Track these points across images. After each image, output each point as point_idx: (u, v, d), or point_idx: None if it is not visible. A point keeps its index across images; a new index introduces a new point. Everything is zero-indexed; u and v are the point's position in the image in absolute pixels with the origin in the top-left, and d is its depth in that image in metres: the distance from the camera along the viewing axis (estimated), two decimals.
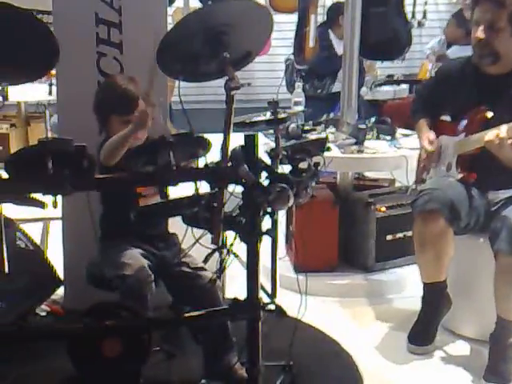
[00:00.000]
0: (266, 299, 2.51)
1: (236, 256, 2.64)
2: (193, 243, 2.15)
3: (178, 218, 2.11)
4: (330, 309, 3.19)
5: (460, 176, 2.74)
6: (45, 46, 2.05)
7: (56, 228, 3.16)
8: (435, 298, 2.78)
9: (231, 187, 1.99)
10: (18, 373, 2.52)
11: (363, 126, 3.49)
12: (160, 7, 2.92)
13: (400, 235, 3.44)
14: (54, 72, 3.03)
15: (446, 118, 2.87)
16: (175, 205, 2.05)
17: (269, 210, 1.96)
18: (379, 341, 2.88)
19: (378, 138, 3.57)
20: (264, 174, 1.98)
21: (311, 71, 4.95)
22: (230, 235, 2.07)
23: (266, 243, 2.08)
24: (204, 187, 1.99)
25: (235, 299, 2.02)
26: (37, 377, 2.51)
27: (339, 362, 2.68)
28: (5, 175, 1.91)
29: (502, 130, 2.49)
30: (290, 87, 5.02)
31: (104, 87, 2.62)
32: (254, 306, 2.00)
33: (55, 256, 3.05)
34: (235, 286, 2.90)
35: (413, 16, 6.97)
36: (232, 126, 2.06)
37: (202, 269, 2.43)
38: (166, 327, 2.45)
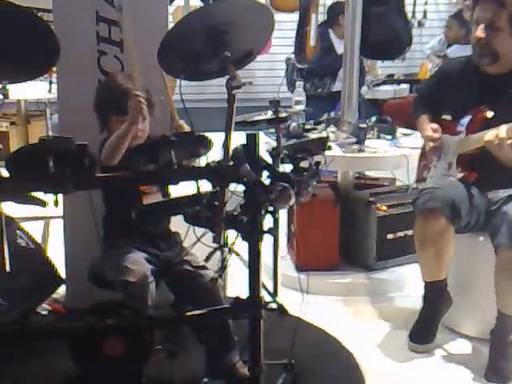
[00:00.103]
0: (267, 298, 2.51)
1: (237, 255, 2.64)
2: (194, 242, 2.15)
3: (180, 217, 2.11)
4: (331, 307, 3.20)
5: (460, 175, 2.74)
6: (45, 44, 2.05)
7: (57, 226, 3.16)
8: (436, 296, 2.78)
9: (233, 186, 1.99)
10: (20, 372, 2.52)
11: (364, 126, 3.49)
12: (161, 6, 2.92)
13: (401, 234, 3.45)
14: (54, 69, 3.03)
15: (447, 117, 2.87)
16: (176, 203, 2.05)
17: (270, 208, 1.96)
18: (380, 339, 2.89)
19: (378, 137, 3.58)
20: (265, 173, 1.98)
21: (312, 70, 4.95)
22: (231, 234, 2.07)
23: (267, 242, 2.08)
24: (205, 186, 1.99)
25: (237, 298, 2.03)
26: (38, 376, 2.52)
27: (340, 360, 2.69)
28: (5, 174, 1.91)
29: (502, 130, 2.50)
30: (291, 86, 5.02)
31: (104, 86, 2.61)
32: (255, 305, 2.00)
33: (56, 254, 3.05)
34: (237, 285, 2.91)
35: (413, 16, 6.97)
36: (233, 124, 2.06)
37: (204, 267, 2.43)
38: (168, 326, 2.45)
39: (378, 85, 5.78)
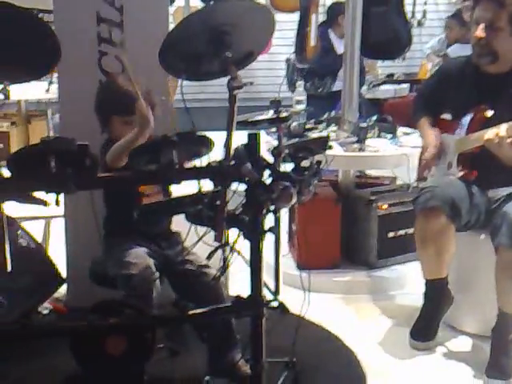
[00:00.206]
0: (269, 296, 2.51)
1: (239, 253, 2.64)
2: (196, 241, 2.16)
3: (181, 216, 2.12)
4: (332, 305, 3.21)
5: (461, 174, 2.75)
6: (46, 45, 2.05)
7: (59, 226, 3.17)
8: (437, 294, 2.79)
9: (234, 185, 2.00)
10: (21, 371, 2.52)
11: (364, 125, 3.50)
12: (161, 6, 2.93)
13: (402, 232, 3.46)
14: (54, 69, 3.03)
15: (447, 116, 2.88)
16: (178, 203, 2.06)
17: (272, 207, 1.97)
18: (382, 337, 2.90)
19: (379, 136, 3.58)
20: (267, 173, 1.99)
21: (312, 70, 4.97)
22: (232, 233, 2.08)
23: (268, 241, 2.09)
24: (207, 185, 2.00)
25: (238, 296, 2.04)
26: (40, 375, 2.52)
27: (342, 358, 2.70)
28: (7, 173, 1.92)
29: (502, 128, 2.51)
30: (291, 86, 5.04)
31: (105, 87, 2.61)
32: (257, 304, 2.01)
33: (58, 254, 3.06)
34: (238, 284, 2.92)
35: (412, 15, 6.98)
36: (235, 124, 2.06)
37: (206, 266, 2.43)
38: (170, 324, 2.46)
39: (379, 85, 5.79)
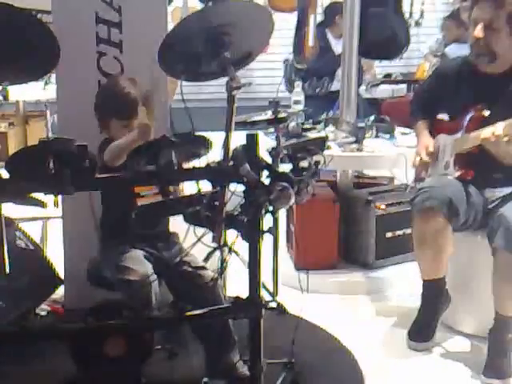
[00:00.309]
0: (267, 297, 2.52)
1: (237, 254, 2.65)
2: (194, 242, 2.16)
3: (179, 218, 2.12)
4: (330, 306, 3.21)
5: (458, 174, 2.76)
6: (45, 46, 2.05)
7: (57, 227, 3.16)
8: (434, 294, 2.79)
9: (233, 186, 2.00)
10: (19, 372, 2.51)
11: (362, 125, 3.51)
12: (160, 7, 2.93)
13: (399, 232, 3.47)
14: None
15: (444, 116, 2.88)
16: (175, 204, 2.06)
17: (270, 208, 1.97)
18: (379, 337, 2.90)
19: (377, 136, 3.59)
20: (265, 173, 1.99)
21: (310, 70, 4.97)
22: (231, 234, 2.08)
23: (267, 241, 2.09)
24: (206, 186, 2.00)
25: (237, 297, 2.04)
26: (37, 376, 2.51)
27: (340, 359, 2.70)
28: (5, 175, 1.92)
29: (498, 127, 2.51)
30: (289, 86, 5.04)
31: (105, 90, 2.60)
32: (255, 305, 2.01)
33: (56, 255, 3.06)
34: (236, 284, 2.92)
35: (410, 15, 6.98)
36: (233, 125, 2.07)
37: (203, 268, 2.43)
38: (168, 326, 2.45)
39: (376, 85, 5.80)
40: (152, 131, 2.15)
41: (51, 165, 1.80)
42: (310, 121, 3.70)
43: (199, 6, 5.65)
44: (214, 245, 2.10)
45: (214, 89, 5.72)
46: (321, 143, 2.47)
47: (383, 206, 3.44)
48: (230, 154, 1.99)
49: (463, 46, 4.16)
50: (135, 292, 2.24)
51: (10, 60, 2.04)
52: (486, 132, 2.54)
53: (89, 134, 2.37)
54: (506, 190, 2.69)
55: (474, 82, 2.77)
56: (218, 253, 2.58)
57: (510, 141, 2.49)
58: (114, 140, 2.30)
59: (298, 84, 4.28)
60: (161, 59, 2.09)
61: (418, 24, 7.38)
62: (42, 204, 2.13)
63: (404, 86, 6.00)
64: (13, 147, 5.52)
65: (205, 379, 2.36)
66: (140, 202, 2.32)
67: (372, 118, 3.69)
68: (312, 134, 3.46)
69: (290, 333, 2.35)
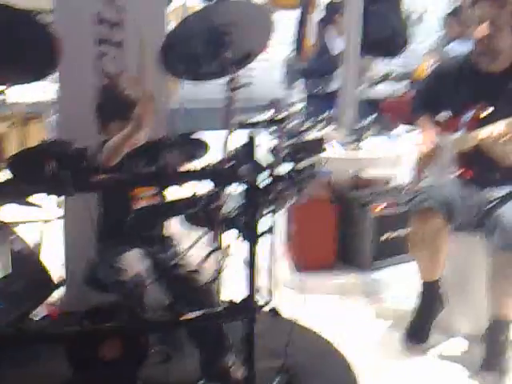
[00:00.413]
0: (262, 299, 2.52)
1: (234, 256, 2.65)
2: (191, 244, 2.16)
3: (176, 220, 2.11)
4: (326, 307, 3.20)
5: (456, 173, 2.76)
6: (46, 46, 2.06)
7: (56, 229, 3.16)
8: (431, 295, 2.80)
9: (231, 187, 2.00)
10: (15, 376, 2.51)
11: (361, 125, 3.51)
12: (160, 6, 2.92)
13: (396, 234, 3.47)
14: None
15: (446, 114, 2.88)
16: (172, 206, 2.06)
17: (268, 209, 1.98)
18: (375, 339, 2.90)
19: (376, 136, 3.59)
20: (264, 174, 2.00)
21: (310, 69, 4.97)
22: (228, 235, 2.08)
23: (264, 242, 2.09)
24: (205, 187, 2.01)
25: (231, 301, 2.03)
26: (33, 379, 2.51)
27: (335, 361, 2.69)
28: (7, 177, 1.92)
29: (498, 127, 2.52)
30: (290, 85, 5.04)
31: (105, 92, 2.59)
32: (250, 308, 2.01)
33: (54, 258, 3.05)
34: (231, 287, 2.92)
35: (411, 14, 6.97)
36: (233, 125, 2.07)
37: (197, 271, 2.41)
38: (163, 329, 2.45)
39: (376, 84, 5.79)
40: (148, 131, 2.16)
41: (51, 167, 1.81)
42: (310, 120, 3.70)
43: (198, 5, 5.65)
44: (211, 247, 2.10)
45: (214, 89, 5.71)
46: (319, 144, 2.48)
47: (381, 208, 3.43)
48: (230, 154, 1.99)
49: (464, 44, 4.16)
50: (127, 292, 2.23)
51: (12, 61, 2.04)
52: (486, 132, 2.54)
53: (89, 134, 2.38)
54: (505, 190, 2.70)
55: (474, 79, 2.77)
56: (214, 255, 2.58)
57: (510, 140, 2.50)
58: None
59: (299, 83, 4.28)
60: (161, 59, 2.10)
61: (418, 22, 7.37)
62: (39, 205, 2.13)
63: (404, 84, 5.98)
64: (11, 149, 5.50)
65: (200, 382, 2.36)
66: (138, 204, 2.32)
67: (371, 117, 3.69)
68: (311, 134, 3.46)
69: (284, 336, 2.34)
